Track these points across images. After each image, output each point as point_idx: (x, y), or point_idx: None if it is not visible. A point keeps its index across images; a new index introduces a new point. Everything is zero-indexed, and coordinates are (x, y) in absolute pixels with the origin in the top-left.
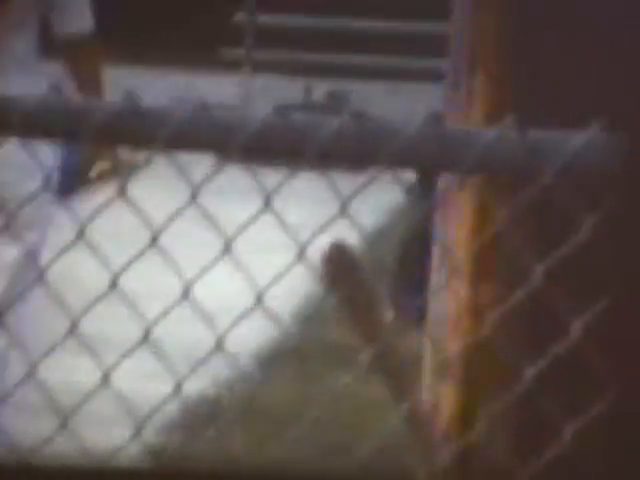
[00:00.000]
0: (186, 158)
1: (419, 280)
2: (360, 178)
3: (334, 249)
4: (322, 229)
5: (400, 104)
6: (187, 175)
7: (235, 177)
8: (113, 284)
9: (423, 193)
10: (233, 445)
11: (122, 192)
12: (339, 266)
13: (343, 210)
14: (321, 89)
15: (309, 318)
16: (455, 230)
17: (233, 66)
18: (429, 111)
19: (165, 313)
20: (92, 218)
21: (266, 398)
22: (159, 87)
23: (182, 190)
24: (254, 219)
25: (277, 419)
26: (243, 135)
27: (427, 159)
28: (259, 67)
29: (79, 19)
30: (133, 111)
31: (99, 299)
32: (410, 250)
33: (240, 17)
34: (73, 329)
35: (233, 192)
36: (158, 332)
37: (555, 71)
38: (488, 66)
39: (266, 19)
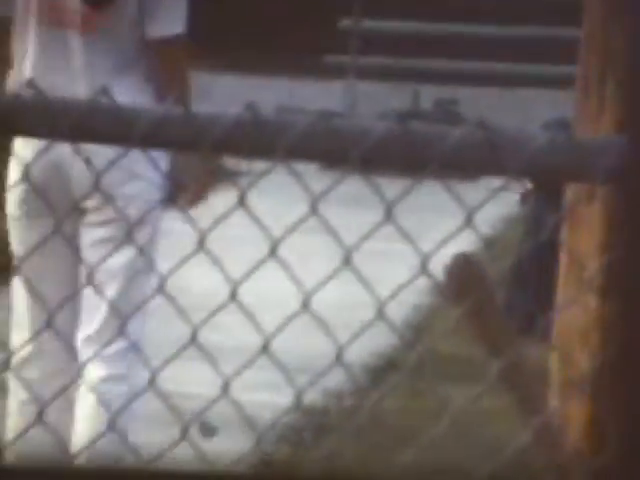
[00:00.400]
0: (302, 167)
1: (536, 290)
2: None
3: (460, 261)
4: (446, 240)
5: (511, 111)
6: (306, 185)
7: (350, 185)
8: (233, 295)
9: (539, 202)
10: (344, 457)
11: (242, 202)
12: (465, 278)
13: (469, 221)
14: (427, 96)
15: (421, 329)
16: (585, 242)
17: (338, 72)
18: (548, 118)
19: (285, 324)
20: (212, 228)
21: (378, 410)
22: (264, 93)
23: (295, 198)
24: (375, 230)
25: (390, 431)
26: (364, 145)
27: (558, 169)
28: (364, 73)
29: (171, 22)
30: (253, 121)
31: (219, 309)
32: (527, 260)
33: (346, 23)
34: (194, 338)
35: (348, 200)
36: (273, 342)
37: None
38: (619, 74)
39: (372, 25)
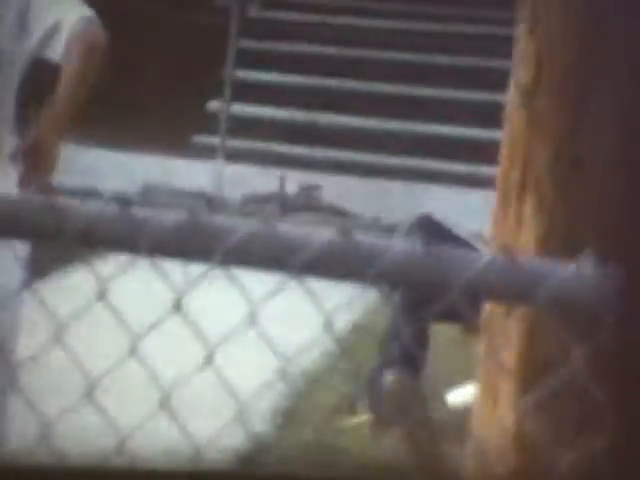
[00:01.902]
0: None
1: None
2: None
3: (396, 383)
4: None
5: (372, 201)
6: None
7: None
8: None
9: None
10: None
11: (178, 306)
12: (403, 400)
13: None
14: (294, 181)
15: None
16: (503, 356)
17: (207, 153)
18: (418, 214)
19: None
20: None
21: None
22: (133, 170)
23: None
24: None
25: None
26: (303, 255)
27: (499, 291)
28: (232, 156)
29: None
30: (193, 225)
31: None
32: (393, 345)
33: (214, 105)
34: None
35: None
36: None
37: (608, 203)
38: (538, 190)
39: (240, 108)
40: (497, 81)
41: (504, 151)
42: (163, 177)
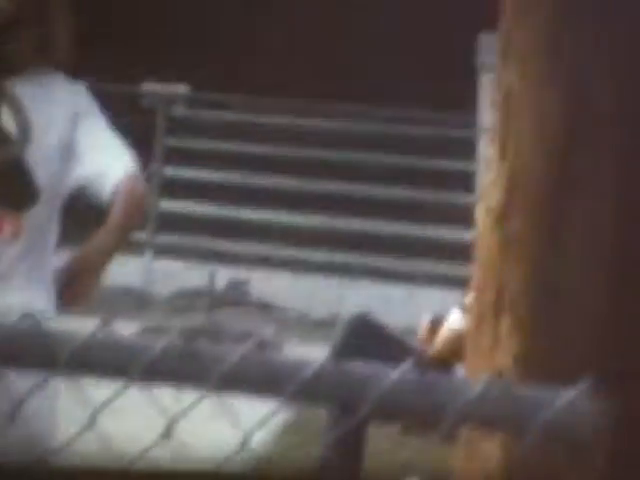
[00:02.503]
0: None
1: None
2: None
3: None
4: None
5: (301, 296)
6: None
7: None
8: None
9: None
10: None
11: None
12: None
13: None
14: (223, 276)
15: None
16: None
17: (135, 249)
18: (352, 313)
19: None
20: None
21: None
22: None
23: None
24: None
25: None
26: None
27: (492, 420)
28: (161, 252)
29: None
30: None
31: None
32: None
33: None
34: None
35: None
36: None
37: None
38: (514, 314)
39: (168, 204)
40: (418, 178)
41: (477, 272)
42: None
